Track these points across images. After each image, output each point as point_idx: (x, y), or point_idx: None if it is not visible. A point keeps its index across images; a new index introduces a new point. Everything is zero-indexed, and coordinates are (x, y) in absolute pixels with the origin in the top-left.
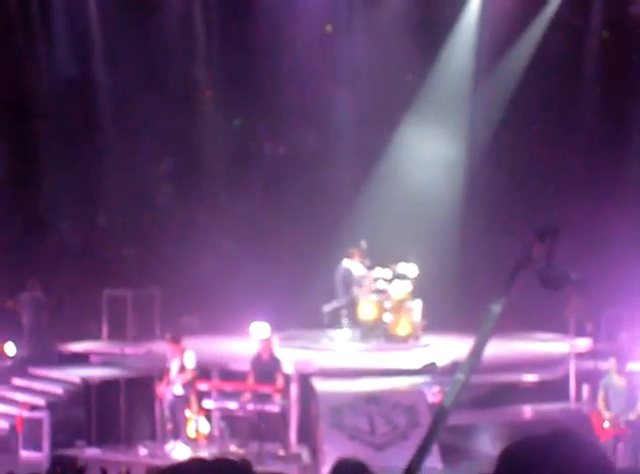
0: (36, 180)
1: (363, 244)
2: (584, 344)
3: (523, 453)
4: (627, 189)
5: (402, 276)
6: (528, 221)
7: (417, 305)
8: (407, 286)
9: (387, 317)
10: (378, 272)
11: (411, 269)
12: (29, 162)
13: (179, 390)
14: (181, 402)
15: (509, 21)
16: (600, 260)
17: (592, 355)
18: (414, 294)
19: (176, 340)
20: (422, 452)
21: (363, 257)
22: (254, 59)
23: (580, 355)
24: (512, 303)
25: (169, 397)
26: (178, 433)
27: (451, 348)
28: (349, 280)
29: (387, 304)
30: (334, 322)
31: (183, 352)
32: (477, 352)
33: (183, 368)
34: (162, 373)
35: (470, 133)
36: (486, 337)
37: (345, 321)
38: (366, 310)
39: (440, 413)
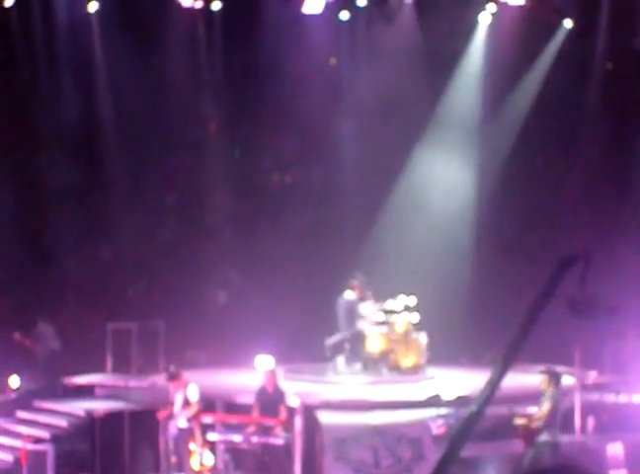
0: (40, 213)
1: (360, 276)
2: (589, 376)
3: None
4: (631, 220)
5: (408, 309)
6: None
7: (422, 337)
8: (413, 318)
9: (392, 349)
10: (389, 304)
11: (410, 301)
12: (33, 195)
13: (183, 423)
14: (185, 435)
15: (514, 54)
16: (604, 290)
17: (597, 387)
18: (419, 326)
19: (175, 377)
20: None
21: (364, 289)
22: (258, 92)
23: (585, 388)
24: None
25: (173, 430)
26: (182, 466)
27: (456, 380)
28: (352, 313)
29: (393, 336)
30: (337, 355)
31: (186, 385)
32: (494, 383)
33: (187, 402)
34: (166, 406)
35: (479, 165)
36: (504, 368)
37: (347, 354)
38: (374, 342)
39: (451, 445)
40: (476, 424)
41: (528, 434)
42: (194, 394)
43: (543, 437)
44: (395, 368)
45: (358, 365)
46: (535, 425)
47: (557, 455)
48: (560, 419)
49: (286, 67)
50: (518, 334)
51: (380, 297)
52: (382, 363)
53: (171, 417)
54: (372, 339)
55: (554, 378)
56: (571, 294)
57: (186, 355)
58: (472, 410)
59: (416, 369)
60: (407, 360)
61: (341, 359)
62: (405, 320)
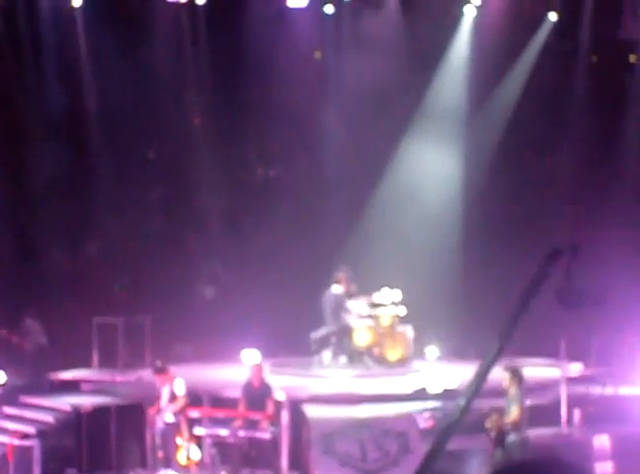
0: (26, 208)
1: (345, 269)
2: (575, 368)
3: None
4: (618, 211)
5: (395, 302)
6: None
7: (408, 331)
8: (400, 311)
9: (379, 343)
10: (375, 297)
11: (394, 294)
12: (19, 190)
13: (170, 418)
14: (171, 429)
15: (500, 47)
16: (591, 281)
17: (583, 379)
18: (405, 320)
19: (161, 371)
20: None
21: (350, 282)
22: (243, 85)
23: (571, 380)
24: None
25: (160, 425)
26: (169, 460)
27: (442, 373)
28: (339, 306)
29: (380, 330)
30: (322, 349)
31: (172, 380)
32: (481, 376)
33: (173, 396)
34: (153, 401)
35: (466, 157)
36: (492, 361)
37: (334, 347)
38: (361, 336)
39: (438, 439)
40: (463, 417)
41: (499, 437)
42: (180, 389)
43: (512, 438)
44: (382, 362)
45: (344, 359)
46: (506, 427)
47: (526, 451)
48: (526, 414)
49: (272, 61)
50: (505, 328)
51: (366, 290)
52: (369, 357)
53: (158, 411)
54: (359, 332)
55: (517, 376)
56: (558, 286)
57: (172, 349)
58: (459, 403)
59: (402, 363)
60: (393, 354)
61: (327, 353)
62: (391, 313)
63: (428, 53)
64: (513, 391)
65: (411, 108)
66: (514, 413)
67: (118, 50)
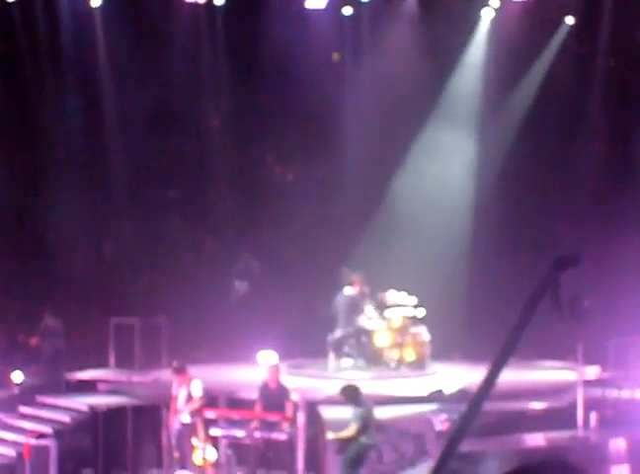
0: (44, 209)
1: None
2: (591, 371)
3: None
4: (634, 216)
5: (413, 305)
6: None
7: (423, 332)
8: (419, 313)
9: (396, 344)
10: (391, 299)
11: (402, 296)
12: (37, 191)
13: (186, 418)
14: (188, 430)
15: (517, 50)
16: (607, 287)
17: (599, 382)
18: (421, 321)
19: (180, 371)
20: None
21: (363, 284)
22: (261, 87)
23: (587, 383)
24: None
25: (176, 425)
26: (185, 461)
27: (458, 375)
28: (354, 308)
29: (397, 331)
30: (340, 351)
31: (190, 380)
32: (489, 381)
33: (190, 397)
34: (169, 402)
35: (479, 161)
36: (501, 365)
37: (351, 349)
38: (377, 338)
39: (450, 441)
40: (473, 421)
41: (342, 445)
42: (197, 390)
43: (362, 440)
44: (399, 363)
45: (361, 361)
46: (347, 437)
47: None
48: (374, 422)
49: (290, 62)
50: (510, 336)
51: (380, 293)
52: (386, 359)
53: (174, 412)
54: (375, 334)
55: (350, 396)
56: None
57: (188, 350)
58: (468, 407)
59: (419, 364)
60: (410, 355)
61: (343, 354)
62: (407, 315)
63: (446, 56)
64: (354, 411)
65: (428, 110)
66: (352, 429)
67: (136, 50)
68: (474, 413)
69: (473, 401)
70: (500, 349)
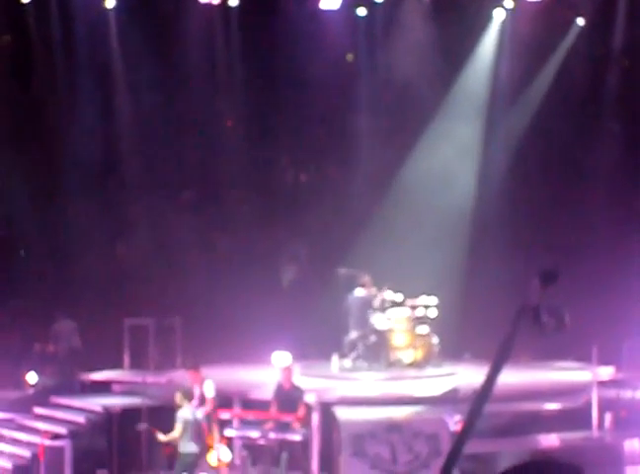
0: (57, 210)
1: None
2: (606, 372)
3: None
4: None
5: (428, 306)
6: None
7: (429, 332)
8: (431, 314)
9: (410, 345)
10: (393, 298)
11: (431, 300)
12: (51, 193)
13: (199, 415)
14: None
15: (528, 50)
16: (621, 287)
17: (614, 383)
18: (430, 322)
19: (193, 368)
20: None
21: (372, 285)
22: (275, 88)
23: (602, 384)
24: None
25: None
26: (199, 461)
27: (472, 375)
28: (366, 310)
29: (410, 332)
30: (354, 352)
31: (202, 381)
32: (490, 381)
33: (203, 398)
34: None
35: (486, 162)
36: (497, 370)
37: (363, 350)
38: (391, 338)
39: (457, 442)
40: (475, 422)
41: (168, 448)
42: (209, 390)
43: (182, 450)
44: (412, 364)
45: (374, 362)
46: (172, 442)
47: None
48: (193, 429)
49: (303, 63)
50: (508, 334)
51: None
52: (399, 359)
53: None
54: (389, 335)
55: (187, 397)
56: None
57: (202, 350)
58: (470, 409)
59: (433, 364)
60: (424, 356)
61: (356, 356)
62: (421, 316)
63: (459, 56)
64: (181, 410)
65: (441, 110)
66: (176, 432)
67: (150, 52)
68: (476, 414)
69: (474, 403)
70: (497, 351)
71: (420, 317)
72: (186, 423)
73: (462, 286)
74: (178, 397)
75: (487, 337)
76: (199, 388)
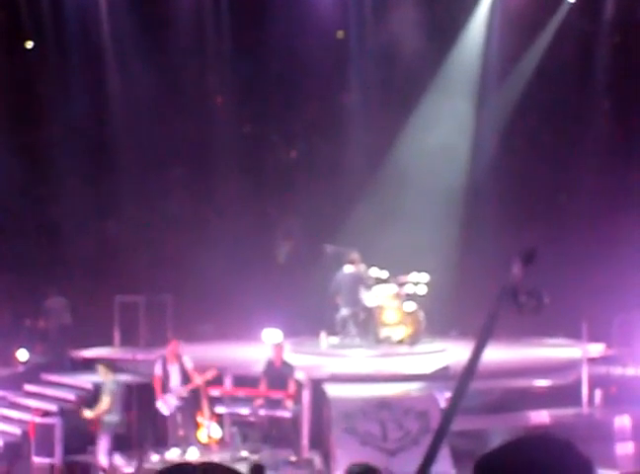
0: (48, 187)
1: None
2: (596, 349)
3: (499, 463)
4: (636, 194)
5: (417, 283)
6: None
7: (418, 309)
8: (420, 291)
9: (400, 321)
10: (378, 274)
11: (422, 277)
12: (42, 171)
13: (183, 393)
14: (190, 407)
15: (518, 26)
16: (611, 263)
17: (604, 359)
18: (419, 299)
19: (172, 345)
20: (429, 459)
21: (360, 262)
22: (265, 66)
23: (592, 360)
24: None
25: (173, 403)
26: (189, 438)
27: (463, 352)
28: (356, 286)
29: (400, 309)
30: (345, 328)
31: (180, 357)
32: (474, 359)
33: (185, 373)
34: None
35: (477, 139)
36: (479, 350)
37: (354, 327)
38: (382, 315)
39: (444, 419)
40: (460, 400)
41: (96, 422)
42: (189, 363)
43: (107, 419)
44: (402, 341)
45: (366, 338)
46: (100, 415)
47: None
48: (119, 403)
49: (293, 40)
50: (489, 314)
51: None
52: (389, 336)
53: (169, 390)
54: (380, 311)
55: (110, 369)
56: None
57: (193, 327)
58: (455, 386)
59: (424, 341)
60: (414, 333)
61: (348, 333)
62: (412, 292)
63: (450, 32)
64: (108, 384)
65: (431, 86)
66: (105, 404)
67: (140, 30)
68: (461, 392)
69: (458, 383)
70: (479, 331)
71: (408, 294)
72: (113, 394)
73: (454, 263)
74: (101, 370)
75: (474, 314)
76: (177, 366)
